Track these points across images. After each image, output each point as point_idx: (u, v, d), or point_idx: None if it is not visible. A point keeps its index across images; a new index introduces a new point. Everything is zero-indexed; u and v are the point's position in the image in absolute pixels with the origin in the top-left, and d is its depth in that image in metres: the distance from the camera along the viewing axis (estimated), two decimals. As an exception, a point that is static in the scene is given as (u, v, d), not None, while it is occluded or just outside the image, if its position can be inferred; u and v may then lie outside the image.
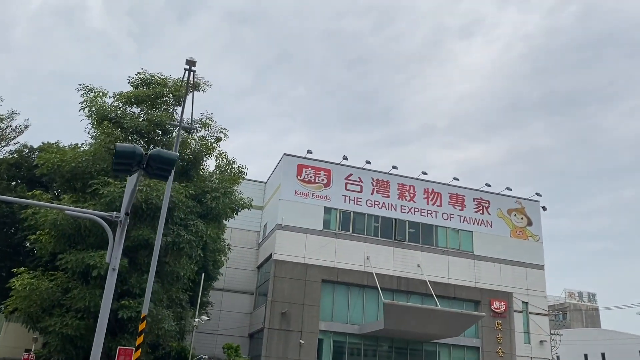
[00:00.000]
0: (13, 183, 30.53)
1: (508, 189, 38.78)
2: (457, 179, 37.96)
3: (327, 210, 34.65)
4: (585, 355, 56.89)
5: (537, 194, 39.61)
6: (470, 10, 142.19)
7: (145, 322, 16.55)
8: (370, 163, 36.08)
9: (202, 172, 26.75)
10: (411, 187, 36.99)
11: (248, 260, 37.67)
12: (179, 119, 21.76)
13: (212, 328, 34.11)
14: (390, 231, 35.48)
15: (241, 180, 28.55)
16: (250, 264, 37.73)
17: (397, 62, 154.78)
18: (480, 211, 37.91)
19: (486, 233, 37.35)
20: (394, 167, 36.69)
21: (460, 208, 37.49)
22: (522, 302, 36.39)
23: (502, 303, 35.49)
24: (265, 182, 39.70)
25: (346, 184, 35.66)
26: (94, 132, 24.73)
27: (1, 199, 15.66)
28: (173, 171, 15.26)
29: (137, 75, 26.36)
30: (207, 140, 26.62)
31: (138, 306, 19.61)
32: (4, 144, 33.26)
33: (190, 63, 16.72)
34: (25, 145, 32.21)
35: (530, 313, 36.35)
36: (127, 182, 12.32)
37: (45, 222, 20.69)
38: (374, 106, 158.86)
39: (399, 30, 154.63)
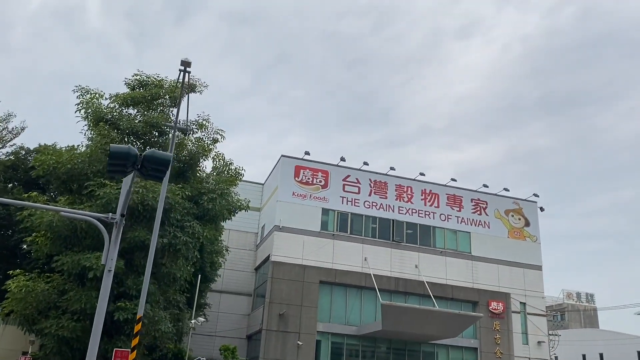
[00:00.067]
0: (10, 185, 30.54)
1: (505, 189, 38.82)
2: (455, 180, 38.08)
3: (325, 211, 34.64)
4: (584, 356, 56.88)
5: (535, 195, 39.80)
6: (469, 11, 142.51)
7: (140, 323, 16.48)
8: (367, 164, 36.12)
9: (199, 174, 26.70)
10: (409, 188, 37.00)
11: (246, 262, 37.66)
12: (174, 120, 21.70)
13: (209, 330, 34.04)
14: (387, 232, 35.48)
15: (238, 182, 28.49)
16: (248, 265, 37.73)
17: (396, 63, 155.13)
18: (478, 212, 37.93)
19: (484, 234, 37.37)
20: (392, 169, 36.71)
21: (458, 209, 37.51)
22: (520, 302, 36.40)
23: (500, 304, 35.50)
24: (262, 184, 39.69)
25: (344, 185, 35.65)
26: (90, 133, 24.68)
27: (-3, 201, 15.61)
28: (168, 172, 15.25)
29: (133, 76, 26.29)
30: (204, 141, 26.55)
31: (134, 308, 19.50)
32: (1, 146, 33.24)
33: (185, 64, 16.64)
34: (21, 147, 32.24)
35: (528, 314, 36.35)
36: (122, 184, 12.29)
37: (41, 224, 20.65)
38: (373, 107, 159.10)
39: (398, 31, 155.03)
